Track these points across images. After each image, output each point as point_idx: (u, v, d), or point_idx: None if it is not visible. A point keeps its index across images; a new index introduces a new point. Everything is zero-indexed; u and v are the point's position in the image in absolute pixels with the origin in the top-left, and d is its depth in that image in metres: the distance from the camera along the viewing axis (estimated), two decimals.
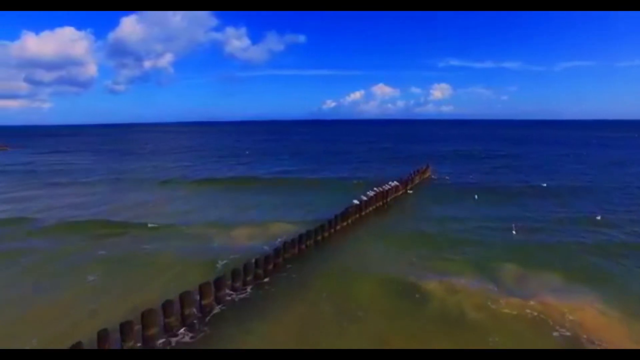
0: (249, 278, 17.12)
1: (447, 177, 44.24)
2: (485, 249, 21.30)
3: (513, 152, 76.19)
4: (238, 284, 16.58)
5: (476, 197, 33.09)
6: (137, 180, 45.32)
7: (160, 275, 17.99)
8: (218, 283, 15.62)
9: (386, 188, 32.50)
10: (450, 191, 37.28)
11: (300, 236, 21.08)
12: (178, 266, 18.93)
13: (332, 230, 23.95)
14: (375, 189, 31.68)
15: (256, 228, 25.05)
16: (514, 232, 23.77)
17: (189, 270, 18.13)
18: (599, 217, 26.83)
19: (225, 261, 19.45)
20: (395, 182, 34.73)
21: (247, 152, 79.38)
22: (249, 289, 16.57)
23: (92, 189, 40.75)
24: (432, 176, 44.72)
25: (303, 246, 21.10)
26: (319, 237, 22.66)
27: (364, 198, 29.08)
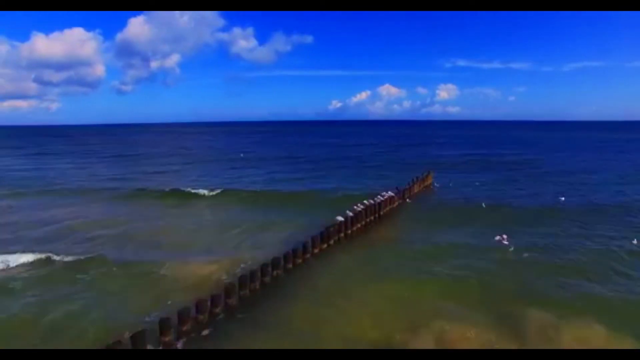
0: (185, 328, 13.42)
1: (451, 185, 40.02)
2: (494, 293, 16.98)
3: (527, 157, 69.95)
4: (168, 339, 12.85)
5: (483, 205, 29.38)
6: (84, 191, 38.85)
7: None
8: (135, 337, 11.89)
9: (378, 200, 28.62)
10: (454, 206, 32.22)
11: (263, 268, 17.36)
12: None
13: (308, 255, 20.19)
14: (365, 201, 27.85)
15: (215, 260, 20.00)
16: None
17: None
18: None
19: (155, 313, 14.45)
20: (390, 193, 30.86)
21: (242, 155, 75.88)
22: (179, 345, 12.83)
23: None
24: (435, 184, 40.49)
25: (267, 278, 17.37)
26: (290, 265, 18.92)
27: (350, 213, 25.29)
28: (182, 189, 38.46)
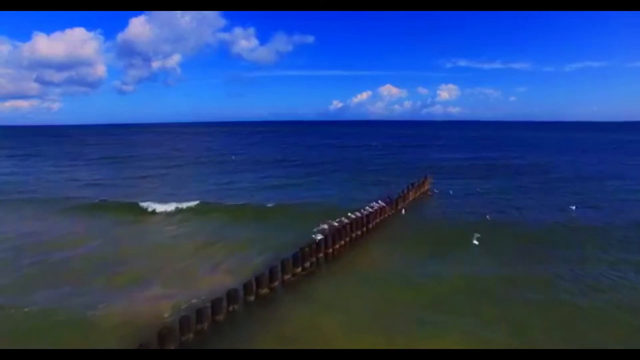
0: None
1: (451, 192, 36.55)
2: None
3: (533, 160, 65.38)
4: None
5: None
6: (43, 201, 35.23)
7: None
8: None
9: (366, 212, 25.52)
10: (454, 219, 28.31)
11: (215, 304, 14.32)
12: None
13: (276, 284, 17.14)
14: (350, 214, 24.78)
15: (166, 294, 16.43)
16: None
17: None
18: None
19: None
20: (381, 203, 27.74)
21: (234, 158, 72.97)
22: None
23: None
24: (435, 190, 37.19)
25: (220, 316, 14.35)
26: (251, 297, 15.89)
27: (330, 226, 22.29)
28: (150, 202, 32.98)
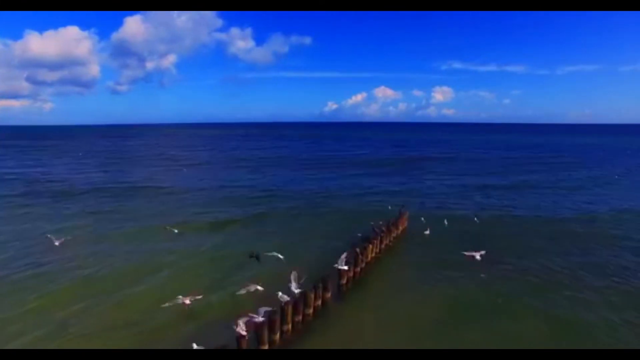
0: None
1: (438, 231, 28.47)
2: None
3: (546, 177, 56.01)
4: None
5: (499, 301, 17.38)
6: None
7: None
8: None
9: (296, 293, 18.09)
10: (443, 291, 19.77)
11: None
12: None
13: None
14: (294, 285, 17.50)
15: None
16: None
17: None
18: None
19: None
20: (343, 258, 20.34)
21: (185, 170, 66.15)
22: None
23: None
24: (426, 231, 27.89)
25: None
26: None
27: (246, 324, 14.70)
28: None
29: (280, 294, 15.86)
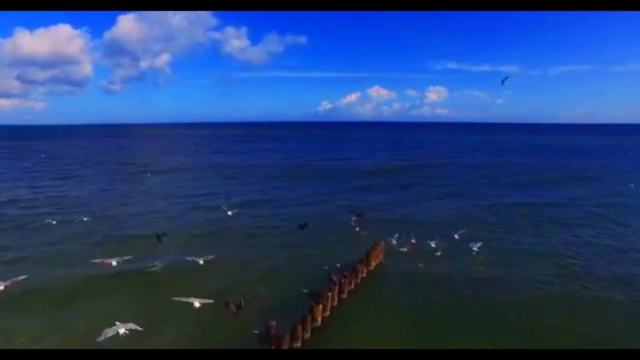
0: None
1: (429, 258, 23.41)
2: None
3: (558, 194, 44.66)
4: None
5: None
6: None
7: None
8: None
9: None
10: None
11: None
12: None
13: None
14: None
15: None
16: None
17: None
18: None
19: None
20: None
21: (149, 175, 59.60)
22: None
23: None
24: (415, 256, 23.84)
25: None
26: None
27: None
28: None
29: None
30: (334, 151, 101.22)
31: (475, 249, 24.94)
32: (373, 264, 22.49)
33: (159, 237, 20.67)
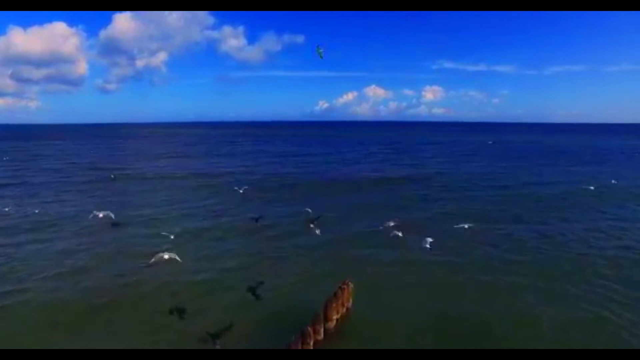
0: None
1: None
2: None
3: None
4: None
5: None
6: None
7: None
8: None
9: None
10: None
11: None
12: None
13: None
14: None
15: None
16: None
17: None
18: None
19: None
20: None
21: (112, 176, 53.22)
22: None
23: None
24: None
25: None
26: None
27: None
28: None
29: None
30: (328, 154, 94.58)
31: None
32: (335, 317, 15.98)
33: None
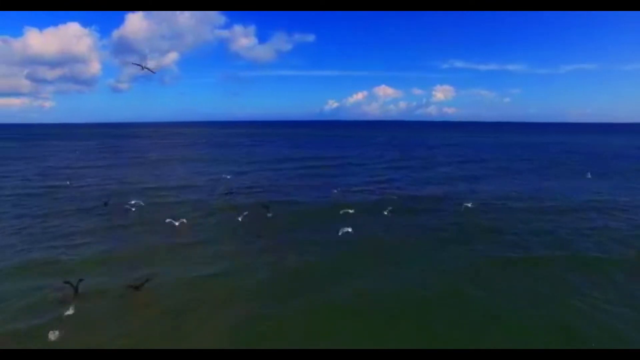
0: None
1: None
2: None
3: None
4: None
5: None
6: None
7: None
8: None
9: None
10: None
11: None
12: None
13: None
14: None
15: None
16: None
17: None
18: None
19: None
20: None
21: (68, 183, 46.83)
22: None
23: None
24: None
25: None
26: None
27: None
28: None
29: None
30: (331, 158, 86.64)
31: None
32: None
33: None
